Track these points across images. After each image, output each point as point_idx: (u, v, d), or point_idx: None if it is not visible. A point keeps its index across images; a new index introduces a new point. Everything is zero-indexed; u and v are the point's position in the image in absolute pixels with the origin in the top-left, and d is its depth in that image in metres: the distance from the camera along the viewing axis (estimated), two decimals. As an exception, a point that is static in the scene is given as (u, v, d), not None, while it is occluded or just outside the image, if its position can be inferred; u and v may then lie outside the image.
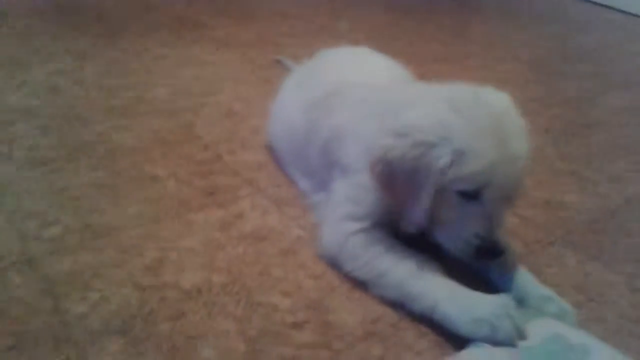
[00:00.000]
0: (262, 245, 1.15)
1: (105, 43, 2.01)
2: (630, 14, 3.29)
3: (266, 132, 1.47)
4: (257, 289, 1.04)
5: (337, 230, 1.10)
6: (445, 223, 1.03)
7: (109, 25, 2.19)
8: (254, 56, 2.07)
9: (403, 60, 1.55)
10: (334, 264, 1.10)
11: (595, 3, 3.46)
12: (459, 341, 0.94)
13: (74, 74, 1.76)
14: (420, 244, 1.07)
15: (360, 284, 1.06)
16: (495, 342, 0.91)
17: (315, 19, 2.58)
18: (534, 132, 1.76)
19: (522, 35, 2.76)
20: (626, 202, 1.47)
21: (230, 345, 0.92)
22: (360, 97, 1.17)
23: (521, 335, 0.91)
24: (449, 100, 1.00)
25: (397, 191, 1.02)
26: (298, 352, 0.93)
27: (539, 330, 0.93)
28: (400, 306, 1.02)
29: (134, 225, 1.16)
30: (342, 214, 1.11)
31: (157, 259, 1.08)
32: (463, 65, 2.26)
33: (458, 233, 1.02)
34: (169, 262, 1.08)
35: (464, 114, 0.98)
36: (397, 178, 1.00)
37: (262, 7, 2.64)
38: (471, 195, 0.99)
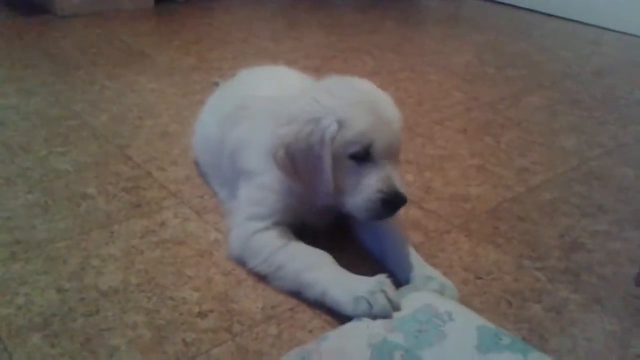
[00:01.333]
0: (180, 249, 1.27)
1: (53, 79, 2.13)
2: (561, 18, 3.48)
3: (192, 148, 1.60)
4: (170, 287, 1.16)
5: (242, 230, 1.23)
6: (349, 190, 1.16)
7: (58, 61, 2.32)
8: (194, 81, 2.20)
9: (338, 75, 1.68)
10: (240, 261, 1.22)
11: (527, 9, 3.64)
12: (347, 320, 1.06)
13: (21, 109, 1.88)
14: (317, 241, 1.20)
15: (264, 278, 1.18)
16: (373, 316, 1.03)
17: (257, 43, 2.72)
18: (451, 134, 1.91)
19: (453, 47, 2.93)
20: (528, 191, 1.60)
21: (138, 334, 1.03)
22: (260, 108, 1.31)
23: (396, 308, 1.04)
24: (325, 88, 1.20)
25: (301, 172, 1.16)
26: (200, 336, 1.04)
27: (412, 303, 1.05)
28: (297, 295, 1.14)
29: (63, 238, 1.28)
30: (246, 215, 1.23)
31: (80, 266, 1.19)
32: (394, 78, 2.40)
33: (362, 195, 1.15)
34: (91, 268, 1.19)
35: (340, 95, 1.17)
36: (297, 159, 1.15)
37: (205, 35, 2.78)
38: (362, 158, 1.14)
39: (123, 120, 1.84)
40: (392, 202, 1.14)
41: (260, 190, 1.24)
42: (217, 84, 2.05)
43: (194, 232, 1.33)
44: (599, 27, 3.35)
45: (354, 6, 3.56)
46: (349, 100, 1.15)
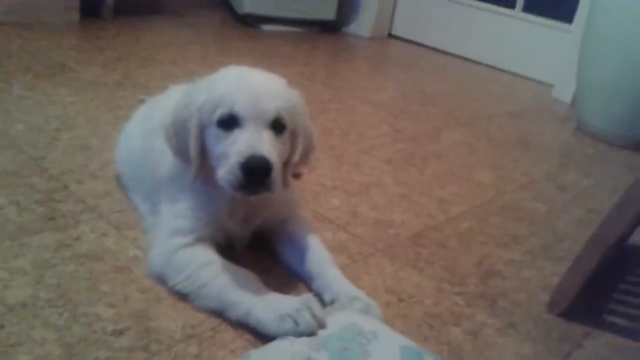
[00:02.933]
0: (96, 264, 1.21)
1: (-36, 84, 2.01)
2: (478, 62, 3.68)
3: (114, 161, 1.54)
4: (83, 302, 1.09)
5: (164, 246, 1.18)
6: (216, 160, 1.15)
7: (-29, 67, 2.19)
8: (118, 97, 2.14)
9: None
10: (161, 279, 1.17)
11: (447, 53, 3.83)
12: (270, 340, 1.03)
13: None
14: (241, 261, 1.18)
15: (185, 297, 1.14)
16: (299, 333, 1.01)
17: (186, 65, 2.69)
18: (376, 163, 1.95)
19: (379, 83, 3.02)
20: (447, 220, 1.66)
21: (46, 350, 0.96)
22: None
23: (321, 325, 1.03)
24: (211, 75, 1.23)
25: (180, 147, 1.18)
26: (114, 354, 0.98)
27: (337, 321, 1.05)
28: (220, 315, 1.11)
29: (-34, 249, 1.19)
30: (168, 230, 1.19)
31: (-15, 279, 1.11)
32: (323, 108, 2.44)
33: (227, 161, 1.11)
34: (-4, 281, 1.11)
35: (218, 74, 1.22)
36: (177, 132, 1.18)
37: (132, 53, 2.71)
38: (229, 125, 1.13)
39: (40, 131, 1.75)
40: (250, 164, 1.08)
41: (179, 202, 1.22)
42: (142, 101, 2.00)
43: (111, 248, 1.27)
44: (512, 73, 3.58)
45: (285, 37, 3.61)
46: (224, 74, 1.21)
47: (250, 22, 3.69)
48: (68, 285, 1.13)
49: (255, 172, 1.08)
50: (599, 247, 1.25)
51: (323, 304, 1.13)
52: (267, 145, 1.11)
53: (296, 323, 1.02)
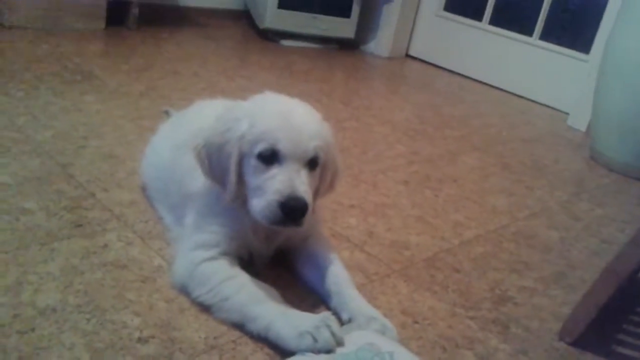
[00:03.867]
0: (122, 273, 1.24)
1: (-7, 88, 2.06)
2: (494, 87, 3.72)
3: (140, 172, 1.58)
4: (110, 309, 1.13)
5: (188, 259, 1.22)
6: (254, 192, 1.18)
7: (1, 72, 2.24)
8: (142, 107, 2.19)
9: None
10: (184, 290, 1.20)
11: (464, 75, 3.87)
12: (289, 355, 1.06)
13: (-43, 115, 1.80)
14: (262, 276, 1.22)
15: (208, 308, 1.17)
16: (317, 350, 1.04)
17: (207, 77, 2.74)
18: (393, 184, 1.98)
19: (396, 103, 3.07)
20: (462, 244, 1.69)
21: (74, 355, 1.00)
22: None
23: (339, 343, 1.06)
24: (249, 99, 1.27)
25: (214, 169, 1.21)
26: (140, 362, 1.02)
27: (355, 340, 1.08)
28: (240, 327, 1.14)
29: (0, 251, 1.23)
30: (192, 243, 1.23)
31: (17, 281, 1.15)
32: (341, 126, 2.48)
33: (264, 196, 1.16)
34: (28, 284, 1.14)
35: (257, 100, 1.26)
36: (212, 157, 1.20)
37: (155, 63, 2.77)
38: (269, 159, 1.17)
39: (67, 138, 1.80)
40: (291, 207, 1.13)
41: (204, 217, 1.25)
42: (166, 113, 2.05)
43: (136, 257, 1.31)
44: (528, 99, 3.61)
45: (304, 53, 3.66)
46: (264, 104, 1.24)
47: (271, 36, 3.75)
48: (95, 292, 1.17)
49: (293, 212, 1.14)
50: (612, 279, 1.27)
51: (341, 322, 1.16)
52: (304, 186, 1.16)
53: (315, 340, 1.05)
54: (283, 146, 1.16)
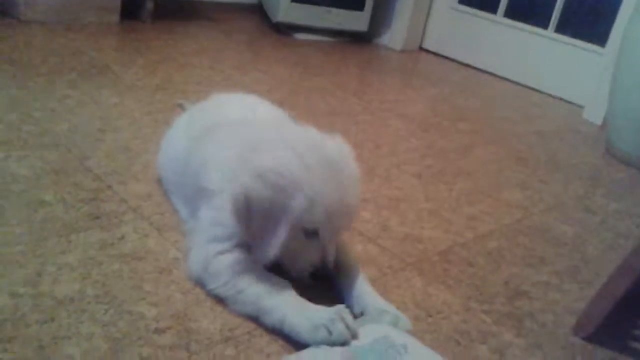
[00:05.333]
0: (139, 264, 1.26)
1: (11, 82, 2.08)
2: (509, 80, 3.70)
3: (156, 164, 1.60)
4: (128, 300, 1.14)
5: (202, 251, 1.22)
6: (287, 253, 1.19)
7: (17, 65, 2.26)
8: (157, 100, 2.20)
9: (300, 112, 1.73)
10: (199, 282, 1.22)
11: (477, 69, 3.85)
12: (304, 347, 1.07)
13: (-24, 108, 1.83)
14: (275, 266, 1.22)
15: (223, 300, 1.18)
16: (332, 343, 1.05)
17: (222, 70, 2.75)
18: (407, 177, 1.98)
19: (410, 96, 3.06)
20: (476, 238, 1.69)
21: (93, 345, 1.01)
22: (228, 130, 1.33)
23: (354, 336, 1.07)
24: (298, 150, 1.17)
25: (253, 226, 1.15)
26: (157, 352, 1.03)
27: (369, 332, 1.08)
28: (255, 320, 1.15)
29: (19, 242, 1.24)
30: (207, 236, 1.23)
31: (36, 271, 1.16)
32: (355, 120, 2.48)
33: (298, 261, 1.20)
34: (47, 275, 1.16)
35: (312, 165, 1.15)
36: (253, 214, 1.14)
37: (170, 57, 2.79)
38: (311, 232, 1.18)
39: (84, 131, 1.82)
40: (319, 275, 1.22)
41: (221, 210, 1.24)
42: (181, 106, 2.06)
43: (153, 249, 1.32)
44: (542, 92, 3.58)
45: (317, 47, 3.66)
46: (320, 176, 1.14)
47: (284, 30, 3.75)
48: (113, 283, 1.18)
49: (318, 279, 1.22)
50: (627, 274, 1.27)
51: (354, 315, 1.17)
52: (334, 254, 1.22)
53: (330, 332, 1.06)
54: (331, 227, 1.18)
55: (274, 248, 1.15)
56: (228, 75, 2.71)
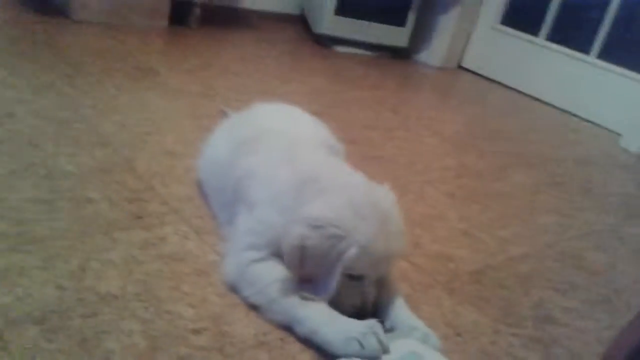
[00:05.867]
0: (178, 265, 1.31)
1: (63, 80, 2.17)
2: (546, 103, 3.68)
3: (197, 168, 1.65)
4: (167, 300, 1.19)
5: (238, 258, 1.26)
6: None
7: (69, 63, 2.35)
8: (201, 106, 2.27)
9: (337, 124, 1.76)
10: (234, 289, 1.25)
11: (515, 90, 3.84)
12: (335, 356, 1.10)
13: (30, 105, 1.90)
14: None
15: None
16: (363, 357, 1.08)
17: (263, 79, 2.81)
18: (440, 196, 2.00)
19: (446, 114, 3.07)
20: (507, 260, 1.69)
21: (133, 341, 1.06)
22: (275, 145, 1.37)
23: (385, 350, 1.09)
24: (351, 198, 1.20)
25: (305, 271, 1.19)
26: (193, 352, 1.07)
27: (400, 347, 1.11)
28: (287, 329, 1.18)
29: (64, 237, 1.30)
30: (243, 244, 1.27)
31: (80, 266, 1.22)
32: (390, 135, 2.51)
33: (339, 303, 1.20)
34: (91, 271, 1.21)
35: (363, 215, 1.18)
36: (307, 261, 1.17)
37: (214, 63, 2.86)
38: (355, 277, 1.20)
39: (131, 132, 1.88)
40: (359, 315, 1.21)
41: (260, 223, 1.28)
42: (224, 112, 2.12)
43: (192, 251, 1.37)
44: (581, 117, 3.56)
45: (357, 60, 3.70)
46: (370, 226, 1.17)
47: (324, 42, 3.80)
48: (153, 282, 1.23)
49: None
50: (661, 307, 1.26)
51: (385, 330, 1.19)
52: (373, 296, 1.23)
53: (362, 346, 1.08)
54: (373, 274, 1.21)
55: (325, 292, 1.18)
56: (268, 83, 2.77)
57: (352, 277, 1.19)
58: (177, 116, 2.11)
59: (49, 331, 1.04)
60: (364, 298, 1.22)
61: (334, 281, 1.16)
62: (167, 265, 1.29)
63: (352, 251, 1.15)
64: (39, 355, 0.98)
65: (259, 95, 2.53)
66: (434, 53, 4.04)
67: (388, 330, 1.21)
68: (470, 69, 4.11)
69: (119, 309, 1.13)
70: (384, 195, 1.26)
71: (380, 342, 1.08)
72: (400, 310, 1.25)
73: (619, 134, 3.31)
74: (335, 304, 1.20)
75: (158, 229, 1.42)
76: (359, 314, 1.20)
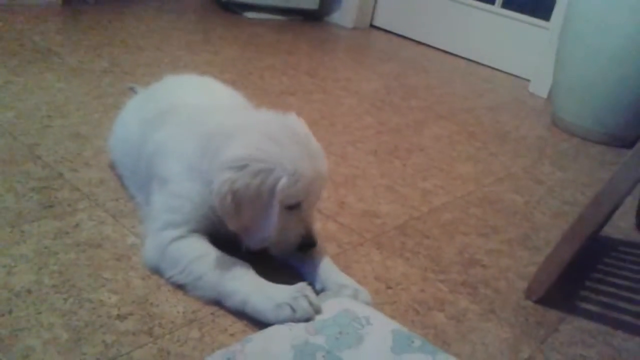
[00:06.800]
0: (96, 252, 1.24)
1: (-52, 68, 2.00)
2: (457, 55, 3.76)
3: (108, 149, 1.57)
4: (87, 288, 1.13)
5: (157, 239, 1.21)
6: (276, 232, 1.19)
7: (-45, 50, 2.17)
8: (106, 84, 2.15)
9: (253, 92, 1.72)
10: (156, 271, 1.20)
11: (427, 45, 3.91)
12: (267, 325, 1.09)
13: None
14: (233, 247, 1.22)
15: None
16: (296, 320, 1.07)
17: (171, 52, 2.70)
18: (362, 155, 2.00)
19: (362, 74, 3.08)
20: (430, 211, 1.73)
21: (54, 334, 1.00)
22: (185, 116, 1.32)
23: (317, 311, 1.09)
24: (265, 132, 1.18)
25: (244, 217, 1.15)
26: (120, 338, 1.03)
27: (332, 307, 1.11)
28: (217, 304, 1.15)
29: (-34, 235, 1.21)
30: (161, 223, 1.22)
31: (-12, 264, 1.14)
32: (308, 99, 2.49)
33: (285, 238, 1.21)
34: (1, 267, 1.13)
35: (283, 142, 1.17)
36: (243, 205, 1.13)
37: (116, 39, 2.71)
38: (293, 207, 1.19)
39: (30, 118, 1.76)
40: (307, 245, 1.25)
41: (176, 198, 1.23)
42: (132, 89, 2.02)
43: (110, 235, 1.31)
44: (490, 67, 3.67)
45: (268, 25, 3.63)
46: (293, 152, 1.16)
47: (233, 8, 3.70)
48: (71, 271, 1.16)
49: (306, 249, 1.26)
50: (574, 240, 1.33)
51: (315, 292, 1.19)
52: (314, 225, 1.28)
53: (293, 310, 1.07)
54: (310, 200, 1.22)
55: (270, 231, 1.16)
56: (177, 56, 2.66)
57: (290, 208, 1.19)
58: (81, 97, 2.00)
59: (-42, 336, 0.96)
60: (307, 225, 1.23)
61: (275, 216, 1.15)
62: (84, 252, 1.23)
63: (284, 180, 1.14)
64: (-52, 363, 0.92)
65: (168, 68, 2.43)
66: (346, 14, 4.03)
67: (319, 292, 1.21)
68: (382, 27, 4.13)
69: (35, 303, 1.06)
70: (296, 122, 1.26)
71: (311, 304, 1.08)
72: (328, 270, 1.25)
73: (527, 80, 3.44)
74: (281, 242, 1.21)
75: (71, 216, 1.34)
76: (306, 245, 1.24)
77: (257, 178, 1.13)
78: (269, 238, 1.17)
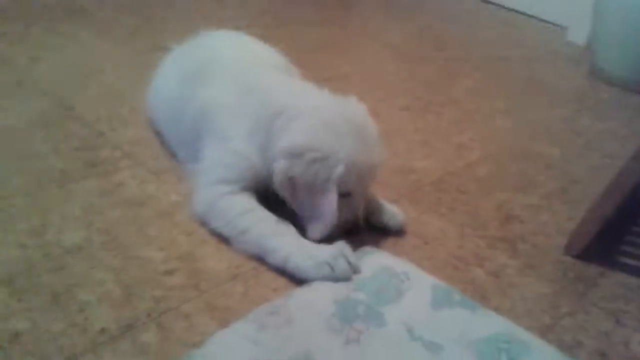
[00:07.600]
0: (140, 209, 1.28)
1: (-15, 28, 2.02)
2: (493, 3, 3.65)
3: (146, 107, 1.58)
4: (134, 245, 1.17)
5: (208, 191, 1.24)
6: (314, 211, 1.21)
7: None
8: (138, 41, 2.16)
9: (284, 46, 1.70)
10: (204, 221, 1.24)
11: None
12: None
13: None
14: (280, 208, 1.24)
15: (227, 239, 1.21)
16: (335, 279, 1.10)
17: (200, 6, 2.68)
18: (395, 110, 1.99)
19: (393, 25, 3.01)
20: (466, 166, 1.72)
21: (107, 290, 1.05)
22: (236, 72, 1.32)
23: (356, 270, 1.11)
24: (322, 119, 1.20)
25: (301, 200, 1.20)
26: (168, 293, 1.07)
27: (370, 264, 1.13)
28: (259, 259, 1.18)
29: (19, 194, 1.25)
30: (214, 177, 1.25)
31: (40, 222, 1.18)
32: (339, 52, 2.46)
33: (324, 218, 1.21)
34: (51, 225, 1.18)
35: (340, 131, 1.19)
36: (300, 192, 1.19)
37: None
38: (344, 194, 1.21)
39: (68, 78, 1.79)
40: (353, 231, 1.26)
41: (232, 155, 1.26)
42: (168, 48, 2.02)
43: (152, 193, 1.34)
44: (525, 14, 3.55)
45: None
46: (349, 141, 1.18)
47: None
48: (117, 229, 1.20)
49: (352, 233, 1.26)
50: (615, 194, 1.31)
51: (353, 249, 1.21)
52: (362, 210, 1.29)
53: (332, 269, 1.10)
54: (363, 188, 1.25)
55: (331, 217, 1.18)
56: (207, 10, 2.64)
57: (342, 195, 1.20)
58: (113, 54, 2.01)
59: (18, 290, 1.01)
60: (355, 212, 1.26)
61: (335, 204, 1.17)
62: (129, 210, 1.26)
63: (340, 169, 1.16)
64: (13, 316, 0.96)
65: (199, 24, 2.41)
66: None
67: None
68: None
69: (86, 259, 1.11)
70: (355, 108, 1.27)
71: (350, 263, 1.10)
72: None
73: (564, 28, 3.32)
74: (331, 222, 1.21)
75: (114, 175, 1.37)
76: (350, 229, 1.25)
77: (313, 166, 1.16)
78: (330, 227, 1.20)
